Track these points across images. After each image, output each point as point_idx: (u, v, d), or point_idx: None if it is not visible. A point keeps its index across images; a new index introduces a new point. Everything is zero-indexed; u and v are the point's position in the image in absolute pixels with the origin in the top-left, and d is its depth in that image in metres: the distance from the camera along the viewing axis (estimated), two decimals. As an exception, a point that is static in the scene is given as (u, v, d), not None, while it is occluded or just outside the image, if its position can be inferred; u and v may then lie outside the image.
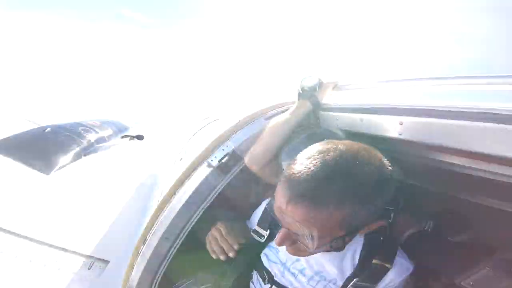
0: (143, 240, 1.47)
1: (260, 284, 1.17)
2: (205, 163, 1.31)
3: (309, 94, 1.29)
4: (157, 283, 1.47)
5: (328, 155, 0.66)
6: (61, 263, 2.30)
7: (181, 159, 2.75)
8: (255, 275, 1.22)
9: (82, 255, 2.42)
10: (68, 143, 4.12)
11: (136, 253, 1.49)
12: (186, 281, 1.48)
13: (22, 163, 3.26)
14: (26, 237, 2.30)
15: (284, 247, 0.81)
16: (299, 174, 0.66)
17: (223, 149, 1.32)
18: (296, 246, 0.77)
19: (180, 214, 1.31)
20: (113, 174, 4.05)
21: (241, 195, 1.55)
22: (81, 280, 2.26)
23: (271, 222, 1.12)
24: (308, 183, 0.64)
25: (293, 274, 1.06)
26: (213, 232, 1.23)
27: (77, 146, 4.14)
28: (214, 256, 1.20)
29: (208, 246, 1.25)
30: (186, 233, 1.37)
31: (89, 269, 2.34)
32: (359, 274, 0.92)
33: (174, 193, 1.37)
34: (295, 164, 0.71)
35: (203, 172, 1.30)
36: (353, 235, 0.76)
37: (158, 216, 1.41)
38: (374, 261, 0.93)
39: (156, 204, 2.29)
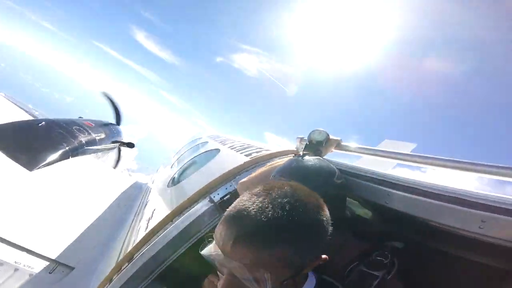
0: (129, 258, 1.49)
1: None
2: (207, 198, 1.40)
3: (315, 147, 1.34)
4: None
5: (273, 193, 0.67)
6: (22, 264, 2.22)
7: (173, 180, 2.80)
8: None
9: (45, 258, 2.36)
10: (59, 141, 4.04)
11: (118, 268, 1.49)
12: None
13: (7, 155, 3.15)
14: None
15: None
16: (245, 211, 0.64)
17: (226, 188, 1.42)
18: None
19: (173, 241, 1.36)
20: (95, 180, 3.95)
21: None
22: (39, 282, 2.18)
23: None
24: (253, 221, 0.62)
25: None
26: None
27: (67, 146, 4.07)
28: None
29: None
30: (174, 258, 1.40)
31: (50, 273, 2.27)
32: None
33: (171, 220, 1.43)
34: (241, 200, 0.68)
35: (203, 205, 1.38)
36: (300, 274, 0.71)
37: (151, 239, 1.45)
38: None
39: (139, 223, 2.29)
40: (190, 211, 1.40)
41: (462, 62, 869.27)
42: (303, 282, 0.76)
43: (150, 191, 3.59)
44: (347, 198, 1.17)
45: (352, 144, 1.44)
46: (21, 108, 4.71)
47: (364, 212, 1.26)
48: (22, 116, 4.20)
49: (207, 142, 3.48)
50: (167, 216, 1.46)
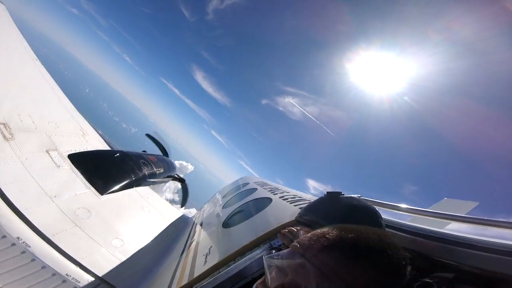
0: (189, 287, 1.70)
1: None
2: (268, 244, 1.60)
3: None
4: None
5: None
6: (71, 277, 2.43)
7: (226, 222, 2.99)
8: None
9: (93, 274, 2.60)
10: (128, 171, 4.59)
11: None
12: None
13: (85, 178, 3.69)
14: (51, 243, 2.50)
15: None
16: None
17: (285, 236, 1.60)
18: None
19: (233, 277, 1.51)
20: (149, 209, 4.31)
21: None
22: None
23: None
24: None
25: None
26: None
27: (134, 177, 4.61)
28: None
29: None
30: None
31: (93, 288, 2.44)
32: None
33: (234, 259, 1.63)
34: None
35: (263, 249, 1.58)
36: None
37: (212, 273, 1.64)
38: None
39: (192, 256, 2.45)
40: (252, 253, 1.58)
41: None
42: None
43: (196, 226, 3.74)
44: None
45: (403, 205, 1.56)
46: (96, 132, 5.16)
47: None
48: (94, 138, 4.67)
49: (256, 189, 3.69)
50: (231, 255, 1.67)
